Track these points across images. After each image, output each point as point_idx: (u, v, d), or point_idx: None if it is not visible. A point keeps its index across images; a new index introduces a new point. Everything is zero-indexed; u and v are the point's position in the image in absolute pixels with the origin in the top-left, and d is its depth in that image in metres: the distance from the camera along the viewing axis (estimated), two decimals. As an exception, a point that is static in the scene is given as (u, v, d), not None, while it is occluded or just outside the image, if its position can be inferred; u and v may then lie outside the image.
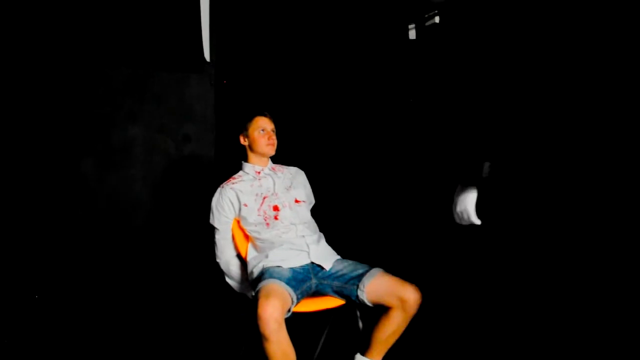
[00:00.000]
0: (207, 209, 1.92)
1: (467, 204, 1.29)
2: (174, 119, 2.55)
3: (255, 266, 1.79)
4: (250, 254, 1.84)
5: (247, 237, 1.89)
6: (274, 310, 1.44)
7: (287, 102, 2.82)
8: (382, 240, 2.61)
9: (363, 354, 1.75)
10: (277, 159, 2.00)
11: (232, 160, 2.11)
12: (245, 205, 1.82)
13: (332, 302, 1.75)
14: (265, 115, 1.93)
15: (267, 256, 1.76)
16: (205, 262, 2.27)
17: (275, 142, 1.93)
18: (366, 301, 1.66)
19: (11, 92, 2.24)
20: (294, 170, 2.02)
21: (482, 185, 1.27)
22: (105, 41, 2.39)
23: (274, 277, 1.63)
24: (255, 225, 1.81)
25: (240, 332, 2.09)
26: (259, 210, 1.82)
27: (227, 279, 1.92)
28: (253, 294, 1.61)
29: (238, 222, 1.90)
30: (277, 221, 1.79)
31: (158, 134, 2.52)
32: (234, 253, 1.89)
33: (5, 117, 2.23)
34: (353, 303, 1.73)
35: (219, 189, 1.89)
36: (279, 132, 2.00)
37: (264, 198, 1.84)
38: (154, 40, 2.48)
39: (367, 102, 2.80)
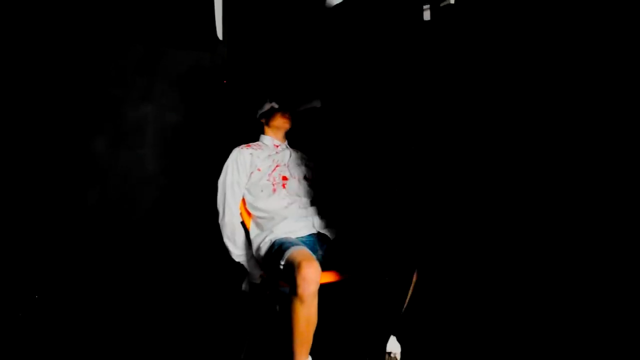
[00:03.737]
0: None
1: None
2: (186, 98, 2.51)
3: (262, 241, 1.73)
4: (253, 232, 1.79)
5: (249, 214, 1.84)
6: (316, 273, 1.39)
7: (298, 82, 2.74)
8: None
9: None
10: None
11: (244, 139, 2.06)
12: (259, 169, 1.83)
13: (334, 276, 1.66)
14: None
15: (272, 231, 1.70)
16: (219, 243, 2.21)
17: (290, 118, 2.00)
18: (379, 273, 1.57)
19: (22, 71, 2.24)
20: (306, 157, 2.09)
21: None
22: (117, 19, 2.37)
23: (296, 245, 1.55)
24: (262, 191, 1.77)
25: (243, 325, 2.02)
26: (269, 175, 1.83)
27: (228, 244, 1.82)
28: (281, 264, 1.49)
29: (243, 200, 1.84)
30: (283, 189, 1.76)
31: (170, 112, 2.48)
32: (240, 219, 1.82)
33: (17, 96, 2.24)
34: (361, 276, 1.63)
35: (236, 149, 1.89)
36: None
37: (277, 166, 1.88)
38: (166, 18, 2.45)
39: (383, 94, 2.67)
